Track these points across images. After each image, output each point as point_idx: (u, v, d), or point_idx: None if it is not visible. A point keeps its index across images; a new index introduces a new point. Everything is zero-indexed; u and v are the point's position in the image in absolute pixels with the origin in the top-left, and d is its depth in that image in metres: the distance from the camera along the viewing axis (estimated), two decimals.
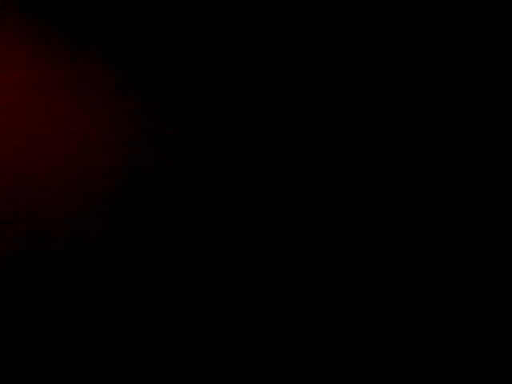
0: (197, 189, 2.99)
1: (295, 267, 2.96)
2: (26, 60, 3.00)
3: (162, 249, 2.95)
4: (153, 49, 3.04)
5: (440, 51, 3.05)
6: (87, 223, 2.94)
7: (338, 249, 2.97)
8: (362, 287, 2.96)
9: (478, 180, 3.00)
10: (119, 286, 2.92)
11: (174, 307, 2.93)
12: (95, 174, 2.97)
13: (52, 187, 2.95)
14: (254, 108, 3.03)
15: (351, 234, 2.98)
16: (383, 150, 3.02)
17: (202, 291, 2.94)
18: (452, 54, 3.05)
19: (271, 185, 2.99)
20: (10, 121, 2.97)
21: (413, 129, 3.03)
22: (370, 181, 3.00)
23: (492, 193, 3.00)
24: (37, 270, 2.91)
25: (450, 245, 2.98)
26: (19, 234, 2.92)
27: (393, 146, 3.02)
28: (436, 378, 2.91)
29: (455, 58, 3.05)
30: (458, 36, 3.05)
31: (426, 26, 3.05)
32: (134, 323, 2.91)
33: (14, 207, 2.93)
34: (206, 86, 3.03)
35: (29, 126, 2.97)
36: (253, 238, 2.96)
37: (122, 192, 2.97)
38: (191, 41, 3.04)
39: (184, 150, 3.00)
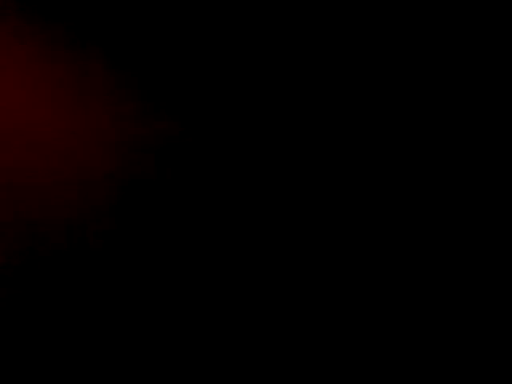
0: (197, 189, 2.98)
1: (295, 266, 2.96)
2: (25, 60, 3.00)
3: (162, 249, 2.94)
4: (153, 49, 3.03)
5: (440, 51, 3.04)
6: (87, 223, 2.94)
7: (338, 247, 2.97)
8: (362, 287, 2.96)
9: (477, 180, 3.00)
10: (119, 285, 2.92)
11: (173, 307, 2.92)
12: (95, 174, 2.96)
13: (52, 187, 2.95)
14: (255, 108, 3.03)
15: (351, 233, 2.98)
16: (383, 150, 3.02)
17: (203, 291, 2.94)
18: (452, 53, 3.05)
19: (272, 190, 2.99)
20: (10, 121, 2.97)
21: (413, 129, 3.03)
22: (370, 181, 3.00)
23: (492, 193, 2.99)
24: (37, 270, 2.90)
25: (450, 245, 2.98)
26: (19, 234, 2.91)
27: (393, 146, 3.02)
28: (436, 378, 2.91)
29: (455, 57, 3.05)
30: (458, 36, 3.05)
31: (426, 26, 3.05)
32: (133, 323, 2.91)
33: (14, 207, 2.93)
34: (206, 86, 3.03)
35: (28, 126, 2.97)
36: (253, 239, 2.96)
37: (122, 192, 2.96)
38: (191, 41, 3.04)
39: (184, 151, 3.00)
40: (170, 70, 3.03)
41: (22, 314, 2.88)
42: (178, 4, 3.05)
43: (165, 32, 3.04)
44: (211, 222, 2.97)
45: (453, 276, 2.96)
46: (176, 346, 2.90)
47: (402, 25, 3.05)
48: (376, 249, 2.97)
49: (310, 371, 2.91)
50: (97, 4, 3.03)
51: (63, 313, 2.89)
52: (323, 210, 2.99)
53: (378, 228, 2.98)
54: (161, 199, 2.97)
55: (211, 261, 2.95)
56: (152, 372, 2.88)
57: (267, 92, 3.03)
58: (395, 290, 2.95)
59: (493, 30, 3.04)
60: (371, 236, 2.97)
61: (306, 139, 3.02)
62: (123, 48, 3.03)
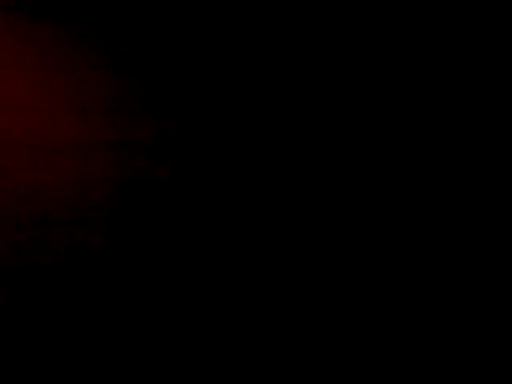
0: (198, 190, 2.98)
1: (295, 268, 2.96)
2: (25, 60, 3.00)
3: (163, 249, 2.95)
4: (153, 50, 3.04)
5: (440, 51, 3.04)
6: (87, 223, 2.94)
7: (338, 249, 2.97)
8: (362, 287, 2.96)
9: (477, 180, 3.00)
10: (119, 285, 2.92)
11: (174, 306, 2.93)
12: (95, 175, 2.97)
13: (52, 188, 2.95)
14: (255, 108, 3.03)
15: (351, 234, 2.98)
16: (383, 150, 3.02)
17: (202, 291, 2.94)
18: (452, 54, 3.04)
19: (272, 190, 2.99)
20: (10, 121, 2.97)
21: (413, 129, 3.03)
22: (370, 181, 3.00)
23: (492, 193, 2.99)
24: (37, 270, 2.91)
25: (450, 245, 2.98)
26: (19, 233, 2.92)
27: (393, 146, 3.02)
28: (436, 378, 2.91)
29: (455, 58, 3.05)
30: (458, 36, 3.05)
31: (426, 26, 3.05)
32: (134, 323, 2.91)
33: (14, 207, 2.93)
34: (206, 86, 3.03)
35: (28, 127, 2.97)
36: (253, 239, 2.96)
37: (122, 192, 2.97)
38: (191, 42, 3.04)
39: (185, 152, 3.00)
40: (170, 70, 3.03)
41: (22, 314, 2.89)
42: (178, 5, 3.05)
43: (165, 33, 3.04)
44: (211, 221, 2.97)
45: (453, 276, 2.96)
46: (176, 346, 2.90)
47: (402, 25, 3.05)
48: (376, 249, 2.97)
49: (310, 371, 2.91)
50: (97, 5, 3.03)
51: (63, 313, 2.90)
52: (323, 211, 2.99)
53: (378, 228, 2.98)
54: (161, 199, 2.97)
55: (211, 260, 2.95)
56: (152, 372, 2.89)
57: (267, 92, 3.03)
58: (395, 290, 2.95)
59: (493, 30, 3.03)
60: (371, 236, 2.98)
61: (306, 139, 3.02)
62: (123, 48, 3.03)
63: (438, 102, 3.03)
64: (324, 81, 3.04)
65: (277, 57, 3.05)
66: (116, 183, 2.97)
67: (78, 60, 3.02)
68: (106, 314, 2.91)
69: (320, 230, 2.98)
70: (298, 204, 2.99)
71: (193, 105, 3.03)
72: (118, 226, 2.95)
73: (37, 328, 2.88)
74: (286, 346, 2.92)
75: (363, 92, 3.04)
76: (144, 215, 2.96)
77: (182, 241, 2.95)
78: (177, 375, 2.89)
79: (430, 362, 2.92)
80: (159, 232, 2.95)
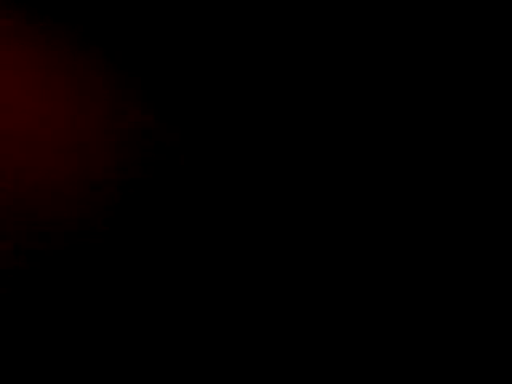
0: (197, 189, 2.99)
1: (295, 267, 2.96)
2: (25, 60, 3.00)
3: (163, 248, 2.95)
4: (153, 49, 3.04)
5: (440, 51, 3.05)
6: (87, 223, 2.94)
7: (338, 247, 2.97)
8: (362, 287, 2.96)
9: (477, 180, 3.00)
10: (119, 285, 2.92)
11: (174, 306, 2.93)
12: (95, 174, 2.97)
13: (52, 187, 2.95)
14: (255, 109, 3.03)
15: (351, 233, 2.98)
16: (383, 150, 3.02)
17: (203, 289, 2.94)
18: (452, 54, 3.05)
19: (272, 189, 2.99)
20: (10, 121, 2.97)
21: (413, 129, 3.03)
22: (370, 181, 3.00)
23: (492, 193, 3.00)
24: (37, 269, 2.91)
25: (450, 245, 2.98)
26: (19, 233, 2.91)
27: (393, 146, 3.02)
28: (436, 378, 2.91)
29: (455, 58, 3.05)
30: (458, 36, 3.05)
31: (426, 26, 3.05)
32: (134, 323, 2.91)
33: (14, 207, 2.93)
34: (206, 87, 3.03)
35: (28, 126, 2.97)
36: (253, 239, 2.96)
37: (122, 192, 2.97)
38: (191, 42, 3.04)
39: (185, 152, 3.00)
40: (170, 70, 3.04)
41: (22, 314, 2.88)
42: (178, 5, 3.05)
43: (165, 33, 3.04)
44: (211, 221, 2.97)
45: (453, 276, 2.96)
46: (176, 345, 2.90)
47: (402, 25, 3.05)
48: (376, 249, 2.97)
49: (310, 371, 2.91)
50: (97, 4, 3.03)
51: (63, 313, 2.89)
52: (323, 215, 2.99)
53: (378, 228, 2.98)
54: (161, 199, 2.97)
55: (211, 260, 2.95)
56: (152, 371, 2.88)
57: (267, 93, 3.03)
58: (395, 290, 2.95)
59: (493, 30, 3.04)
60: (371, 236, 2.98)
61: (305, 140, 3.02)
62: (123, 48, 3.03)
63: (438, 102, 3.04)
64: (324, 82, 3.04)
65: (277, 56, 3.05)
66: (116, 183, 2.97)
67: (77, 60, 3.02)
68: (106, 314, 2.91)
69: (320, 230, 2.98)
70: (295, 202, 2.99)
71: (193, 105, 3.03)
72: (118, 226, 2.95)
73: (36, 328, 2.88)
74: (286, 346, 2.92)
75: (363, 92, 3.04)
76: (144, 215, 2.96)
77: (182, 241, 2.95)
78: (177, 375, 2.89)
79: (430, 362, 2.92)
80: (159, 232, 2.95)
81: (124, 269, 2.93)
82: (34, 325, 2.88)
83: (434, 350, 2.92)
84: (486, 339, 2.92)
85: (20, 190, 2.93)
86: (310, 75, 3.05)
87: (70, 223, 2.93)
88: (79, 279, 2.91)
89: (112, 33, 3.03)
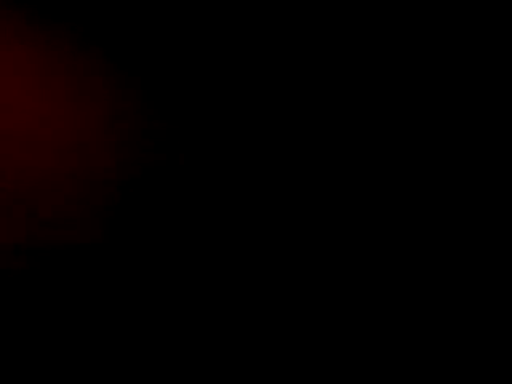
0: (197, 189, 2.98)
1: (294, 266, 2.96)
2: (25, 60, 3.00)
3: (163, 248, 2.94)
4: (153, 49, 3.04)
5: (440, 51, 3.05)
6: (87, 223, 2.94)
7: (338, 246, 2.97)
8: (362, 287, 2.96)
9: (477, 180, 3.00)
10: (120, 286, 2.92)
11: (174, 306, 2.93)
12: (95, 174, 2.96)
13: (52, 187, 2.95)
14: (255, 108, 3.03)
15: (350, 232, 2.98)
16: (383, 150, 3.02)
17: (203, 289, 2.94)
18: (452, 54, 3.05)
19: (272, 189, 2.99)
20: (10, 121, 2.97)
21: (413, 129, 3.03)
22: (370, 181, 3.00)
23: (492, 193, 3.00)
24: (37, 269, 2.90)
25: (450, 245, 2.98)
26: (19, 233, 2.91)
27: (393, 146, 3.02)
28: (436, 378, 2.91)
29: (455, 58, 3.05)
30: (458, 36, 3.05)
31: (426, 26, 3.05)
32: (134, 323, 2.91)
33: (14, 207, 2.93)
34: (206, 86, 3.03)
35: (28, 126, 2.97)
36: (253, 239, 2.96)
37: (122, 191, 2.96)
38: (191, 41, 3.04)
39: (185, 151, 3.00)
40: (170, 70, 3.03)
41: (22, 315, 2.88)
42: (178, 5, 3.05)
43: (165, 33, 3.04)
44: (211, 221, 2.97)
45: (453, 276, 2.96)
46: (176, 345, 2.90)
47: (402, 25, 3.05)
48: (376, 249, 2.97)
49: (310, 371, 2.91)
50: (97, 4, 3.03)
51: (64, 312, 2.89)
52: (322, 209, 2.99)
53: (378, 228, 2.98)
54: (160, 199, 2.97)
55: (211, 260, 2.95)
56: (152, 371, 2.88)
57: (267, 93, 3.03)
58: (395, 290, 2.95)
59: (493, 30, 3.04)
60: (371, 236, 2.98)
61: (304, 140, 3.02)
62: (124, 48, 3.03)
63: (438, 102, 3.04)
64: (323, 80, 3.04)
65: (277, 57, 3.05)
66: (116, 183, 2.97)
67: (77, 60, 3.02)
68: (106, 313, 2.90)
69: (320, 229, 2.98)
70: (296, 200, 2.99)
71: (193, 105, 3.03)
72: (118, 226, 2.94)
73: (36, 328, 2.88)
74: (286, 346, 2.92)
75: (363, 92, 3.04)
76: (144, 215, 2.96)
77: (182, 241, 2.95)
78: (177, 375, 2.89)
79: (430, 362, 2.92)
80: (159, 232, 2.95)
81: (124, 269, 2.93)
82: (34, 324, 2.88)
83: (434, 349, 2.92)
84: (486, 339, 2.92)
85: (20, 189, 2.93)
86: (310, 74, 3.05)
87: (70, 223, 2.93)
88: (79, 279, 2.91)
89: (112, 33, 3.03)
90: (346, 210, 2.99)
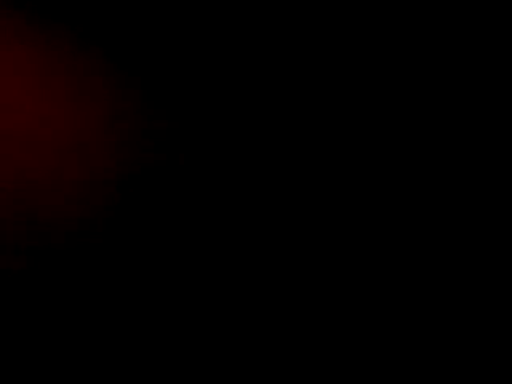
0: (197, 189, 2.98)
1: (294, 266, 2.96)
2: (25, 60, 3.00)
3: (163, 249, 2.94)
4: (153, 49, 3.04)
5: (440, 51, 3.05)
6: (87, 223, 2.94)
7: (338, 246, 2.97)
8: (362, 287, 2.96)
9: (477, 180, 3.00)
10: (120, 286, 2.92)
11: (174, 307, 2.93)
12: (95, 174, 2.96)
13: (52, 187, 2.95)
14: (256, 108, 3.03)
15: (350, 233, 2.98)
16: (383, 151, 3.02)
17: (203, 289, 2.94)
18: (452, 54, 3.05)
19: (273, 189, 2.99)
20: (10, 121, 2.97)
21: (413, 129, 3.03)
22: (370, 181, 3.00)
23: (492, 193, 3.00)
24: (37, 270, 2.90)
25: (450, 245, 2.98)
26: (19, 233, 2.91)
27: (393, 146, 3.02)
28: (436, 378, 2.91)
29: (455, 58, 3.05)
30: (458, 36, 3.05)
31: (426, 26, 3.05)
32: (134, 323, 2.91)
33: (14, 207, 2.93)
34: (206, 86, 3.03)
35: (28, 126, 2.97)
36: (254, 239, 2.96)
37: (122, 192, 2.96)
38: (191, 41, 3.04)
39: (185, 151, 3.00)
40: (170, 70, 3.03)
41: (22, 315, 2.88)
42: (178, 4, 3.05)
43: (165, 32, 3.04)
44: (211, 221, 2.97)
45: (453, 276, 2.96)
46: (176, 345, 2.90)
47: (402, 25, 3.05)
48: (376, 249, 2.97)
49: (310, 371, 2.91)
50: (97, 4, 3.03)
51: (64, 312, 2.89)
52: (322, 215, 2.99)
53: (378, 228, 2.98)
54: (160, 199, 2.97)
55: (211, 260, 2.95)
56: (152, 371, 2.88)
57: (267, 93, 3.03)
58: (395, 290, 2.95)
59: (493, 30, 3.04)
60: (371, 236, 2.98)
61: (304, 139, 3.02)
62: (124, 48, 3.03)
63: (438, 102, 3.04)
64: (323, 80, 3.04)
65: (277, 58, 3.05)
66: (116, 183, 2.97)
67: (77, 60, 3.02)
68: (106, 313, 2.90)
69: (320, 229, 2.98)
70: (295, 200, 2.99)
71: (193, 105, 3.03)
72: (118, 226, 2.94)
73: (36, 328, 2.88)
74: (286, 346, 2.92)
75: (363, 92, 3.04)
76: (144, 215, 2.96)
77: (182, 241, 2.95)
78: (177, 375, 2.89)
79: (430, 362, 2.92)
80: (159, 232, 2.95)
81: (124, 269, 2.93)
82: (34, 325, 2.88)
83: (434, 349, 2.92)
84: (486, 339, 2.92)
85: (20, 189, 2.93)
86: (310, 74, 3.05)
87: (70, 223, 2.93)
88: (79, 279, 2.91)
89: (112, 33, 3.03)
90: (347, 209, 2.99)
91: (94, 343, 2.88)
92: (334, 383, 2.90)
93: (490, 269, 2.95)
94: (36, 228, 2.91)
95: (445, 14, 3.05)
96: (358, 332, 2.93)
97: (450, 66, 3.04)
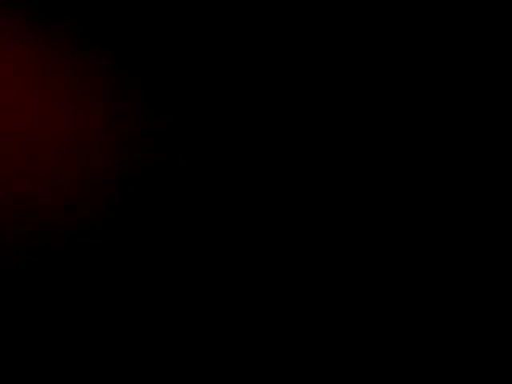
0: (197, 189, 2.98)
1: (294, 265, 2.96)
2: (25, 60, 3.00)
3: (163, 249, 2.94)
4: (153, 49, 3.04)
5: (440, 51, 3.05)
6: (87, 223, 2.94)
7: (338, 246, 2.97)
8: (362, 287, 2.96)
9: (477, 180, 3.00)
10: (120, 286, 2.92)
11: (174, 307, 2.93)
12: (95, 174, 2.96)
13: (52, 187, 2.95)
14: (256, 108, 3.03)
15: (350, 233, 2.98)
16: (383, 151, 3.02)
17: (203, 289, 2.94)
18: (452, 54, 3.05)
19: (273, 189, 2.99)
20: (10, 121, 2.97)
21: (413, 129, 3.03)
22: (370, 181, 3.00)
23: (492, 193, 3.00)
24: (37, 270, 2.90)
25: (450, 245, 2.98)
26: (19, 233, 2.91)
27: (393, 146, 3.02)
28: (436, 378, 2.91)
29: (455, 58, 3.05)
30: (458, 36, 3.05)
31: (426, 26, 3.05)
32: (134, 324, 2.91)
33: (14, 207, 2.93)
34: (207, 86, 3.03)
35: (28, 126, 2.97)
36: (254, 239, 2.96)
37: (122, 192, 2.96)
38: (192, 41, 3.04)
39: (185, 151, 3.00)
40: (170, 70, 3.03)
41: (22, 315, 2.88)
42: (179, 5, 3.05)
43: (165, 32, 3.04)
44: (211, 221, 2.97)
45: (453, 276, 2.96)
46: (175, 345, 2.90)
47: (402, 25, 3.05)
48: (376, 249, 2.97)
49: (310, 371, 2.91)
50: (97, 4, 3.03)
51: (64, 312, 2.89)
52: (323, 215, 2.99)
53: (378, 228, 2.98)
54: (160, 199, 2.97)
55: (211, 260, 2.95)
56: (152, 371, 2.88)
57: (267, 93, 3.03)
58: (395, 290, 2.95)
59: (493, 30, 3.04)
60: (371, 236, 2.98)
61: (305, 139, 3.02)
62: (123, 48, 3.03)
63: (438, 102, 3.04)
64: (323, 79, 3.04)
65: (276, 58, 3.05)
66: (116, 183, 2.97)
67: (77, 60, 3.02)
68: (106, 313, 2.90)
69: (320, 229, 2.98)
70: (295, 201, 2.99)
71: (193, 105, 3.03)
72: (117, 226, 2.94)
73: (36, 328, 2.88)
74: (286, 346, 2.92)
75: (363, 92, 3.04)
76: (144, 215, 2.96)
77: (182, 241, 2.95)
78: (177, 375, 2.89)
79: (430, 362, 2.92)
80: (159, 232, 2.95)
81: (124, 269, 2.93)
82: (34, 325, 2.88)
83: (434, 349, 2.92)
84: (486, 339, 2.92)
85: (20, 190, 2.93)
86: (310, 74, 3.05)
87: (70, 223, 2.93)
88: (79, 279, 2.91)
89: (112, 33, 3.03)
90: (346, 210, 2.99)
91: (94, 343, 2.88)
92: (334, 383, 2.90)
93: (490, 269, 2.95)
94: (36, 228, 2.91)
95: (445, 14, 3.05)
96: (358, 332, 2.93)
97: (450, 66, 3.04)
